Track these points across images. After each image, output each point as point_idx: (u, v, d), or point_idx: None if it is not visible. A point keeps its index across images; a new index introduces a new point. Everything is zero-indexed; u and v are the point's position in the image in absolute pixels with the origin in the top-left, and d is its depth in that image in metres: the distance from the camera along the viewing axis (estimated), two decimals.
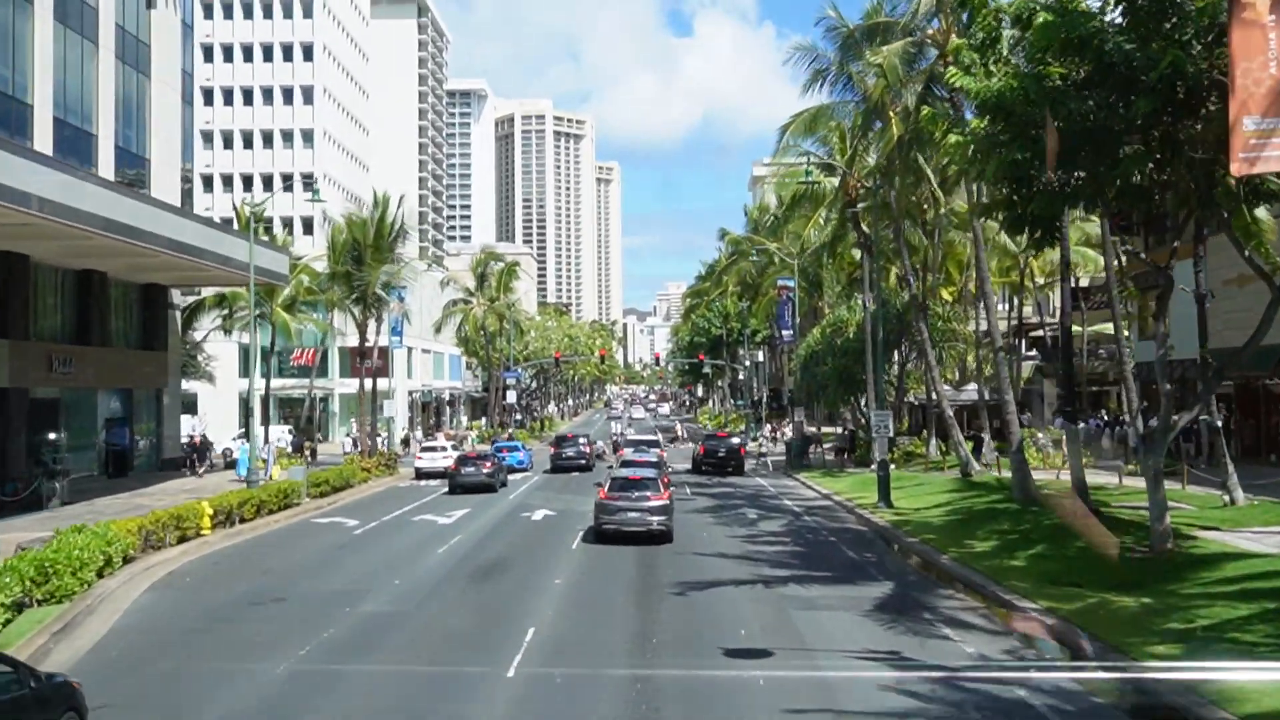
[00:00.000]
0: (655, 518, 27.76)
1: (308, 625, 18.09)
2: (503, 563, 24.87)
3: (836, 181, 44.57)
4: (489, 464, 45.39)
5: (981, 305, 48.10)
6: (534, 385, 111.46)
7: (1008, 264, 61.20)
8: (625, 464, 35.92)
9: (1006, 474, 37.59)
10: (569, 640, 16.99)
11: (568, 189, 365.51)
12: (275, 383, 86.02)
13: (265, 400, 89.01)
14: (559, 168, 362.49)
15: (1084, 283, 69.12)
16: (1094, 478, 36.03)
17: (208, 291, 56.03)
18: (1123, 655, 14.45)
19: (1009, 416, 29.86)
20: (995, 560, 22.82)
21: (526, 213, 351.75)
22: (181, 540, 27.88)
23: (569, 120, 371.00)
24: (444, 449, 51.85)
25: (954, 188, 39.44)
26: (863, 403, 53.51)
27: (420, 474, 50.62)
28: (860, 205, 43.49)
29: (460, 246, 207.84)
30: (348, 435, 72.27)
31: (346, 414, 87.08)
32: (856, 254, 64.39)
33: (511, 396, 79.50)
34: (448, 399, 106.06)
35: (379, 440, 57.04)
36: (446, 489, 44.80)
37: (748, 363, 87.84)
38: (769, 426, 79.59)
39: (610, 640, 16.86)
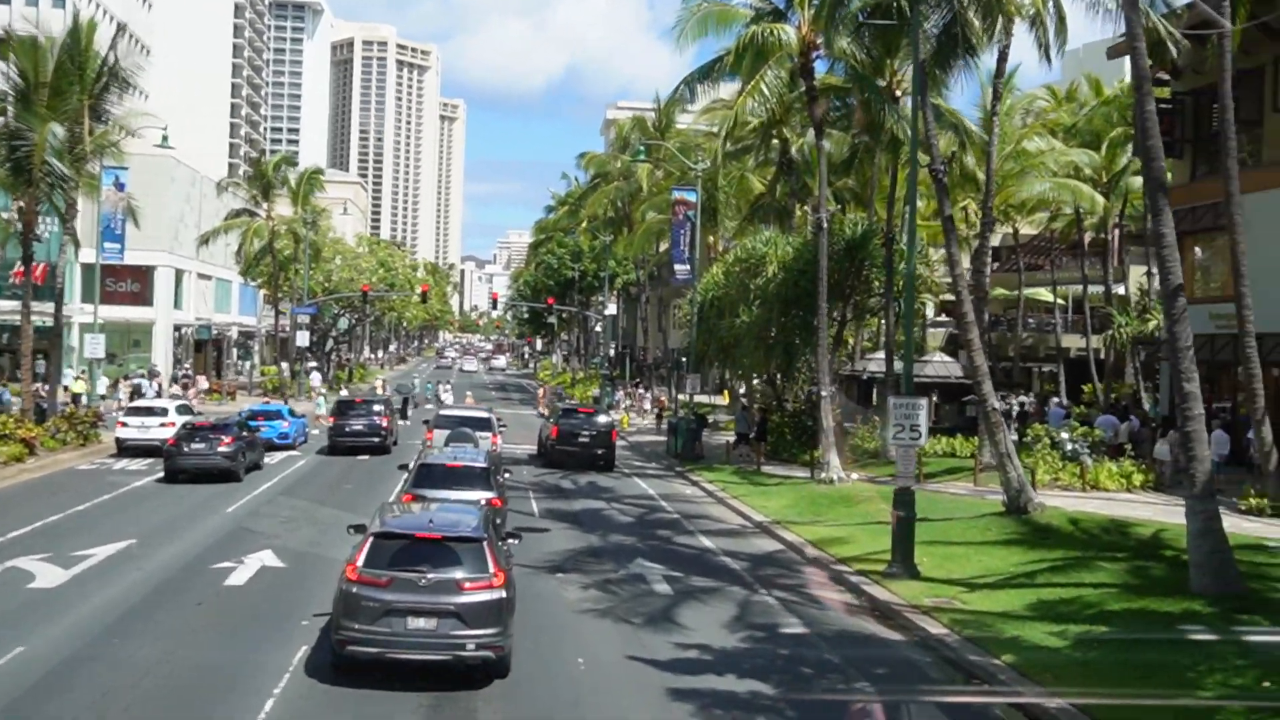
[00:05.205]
0: (470, 634, 11.83)
1: None
2: None
3: (790, 34, 28.80)
4: (229, 439, 28.83)
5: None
6: (347, 326, 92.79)
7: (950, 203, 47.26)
8: (425, 470, 19.47)
9: (1079, 507, 23.11)
10: None
11: (409, 123, 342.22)
12: None
13: None
14: (400, 100, 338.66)
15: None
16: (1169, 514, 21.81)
17: None
18: None
19: (1192, 428, 14.69)
20: None
21: (363, 144, 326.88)
22: None
23: (414, 50, 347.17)
24: (163, 412, 34.21)
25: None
26: (778, 372, 38.48)
27: (124, 448, 33.15)
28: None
29: (287, 172, 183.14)
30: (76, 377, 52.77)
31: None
32: (755, 181, 49.50)
33: (303, 338, 61.51)
34: (235, 337, 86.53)
35: (61, 391, 38.89)
36: (161, 474, 28.35)
37: (607, 311, 71.98)
38: (624, 394, 64.19)
39: None
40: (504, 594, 12.17)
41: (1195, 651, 13.50)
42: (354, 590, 11.87)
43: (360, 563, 12.07)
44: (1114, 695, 12.13)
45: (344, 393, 56.15)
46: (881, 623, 15.97)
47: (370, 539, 12.40)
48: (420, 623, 11.81)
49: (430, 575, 11.97)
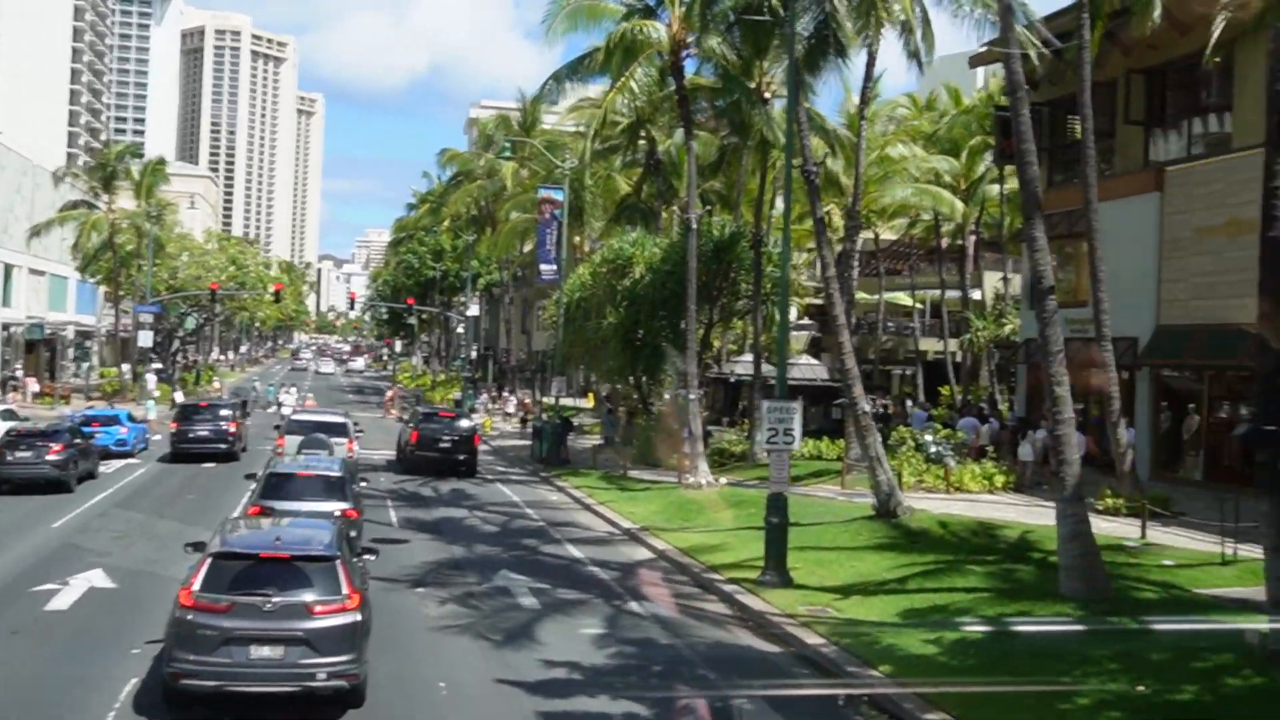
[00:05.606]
0: (321, 662, 10.81)
1: None
2: None
3: (661, 31, 28.35)
4: (59, 446, 26.80)
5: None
6: (194, 326, 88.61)
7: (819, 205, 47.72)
8: (275, 480, 18.15)
9: (945, 509, 23.15)
10: None
11: (264, 116, 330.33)
12: None
13: None
14: (255, 92, 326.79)
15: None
16: (1032, 515, 22.12)
17: None
18: None
19: (1063, 431, 14.80)
20: None
21: (215, 137, 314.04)
22: None
23: (269, 41, 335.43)
24: None
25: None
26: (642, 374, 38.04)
27: None
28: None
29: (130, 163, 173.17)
30: None
31: None
32: (621, 182, 49.10)
33: (146, 338, 58.29)
34: (72, 337, 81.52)
35: None
36: None
37: (469, 312, 70.49)
38: (488, 397, 62.98)
39: None
40: (358, 617, 11.16)
41: (1069, 656, 13.43)
42: (189, 617, 10.69)
43: (197, 586, 10.90)
44: (986, 694, 11.97)
45: (179, 396, 53.25)
46: (757, 634, 15.50)
47: (209, 559, 11.21)
48: (265, 651, 10.72)
49: (276, 599, 10.88)
